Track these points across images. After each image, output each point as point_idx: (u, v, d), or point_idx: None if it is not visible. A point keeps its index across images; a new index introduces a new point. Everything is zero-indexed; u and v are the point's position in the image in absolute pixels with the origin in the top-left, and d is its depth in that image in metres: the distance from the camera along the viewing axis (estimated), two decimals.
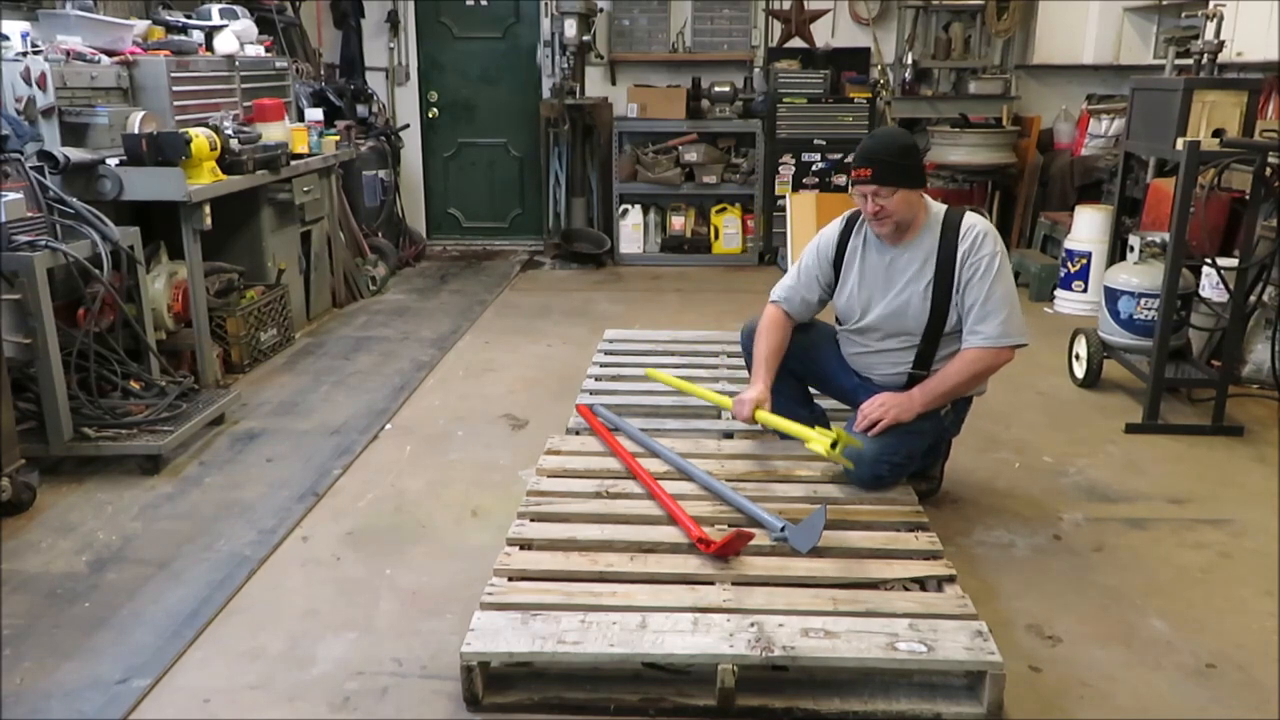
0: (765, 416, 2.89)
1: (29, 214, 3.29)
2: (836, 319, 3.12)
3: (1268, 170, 3.61)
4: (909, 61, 6.82)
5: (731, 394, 3.62)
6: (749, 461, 3.04)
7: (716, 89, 6.95)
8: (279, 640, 2.42)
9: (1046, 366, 4.58)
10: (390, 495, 3.27)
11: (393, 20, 7.39)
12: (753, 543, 2.46)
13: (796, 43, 7.14)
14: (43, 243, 3.26)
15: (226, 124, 4.31)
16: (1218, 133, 3.74)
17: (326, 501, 3.22)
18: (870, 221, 2.86)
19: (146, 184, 3.81)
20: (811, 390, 3.26)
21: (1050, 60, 6.83)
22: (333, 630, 2.46)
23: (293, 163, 4.83)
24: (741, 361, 3.36)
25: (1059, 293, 5.66)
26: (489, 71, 7.59)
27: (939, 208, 2.90)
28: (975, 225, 2.82)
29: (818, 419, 3.28)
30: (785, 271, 3.19)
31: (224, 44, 4.91)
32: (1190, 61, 4.68)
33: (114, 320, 3.56)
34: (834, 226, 3.05)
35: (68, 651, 2.37)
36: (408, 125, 7.41)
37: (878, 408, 2.84)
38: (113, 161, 3.82)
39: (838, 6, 7.15)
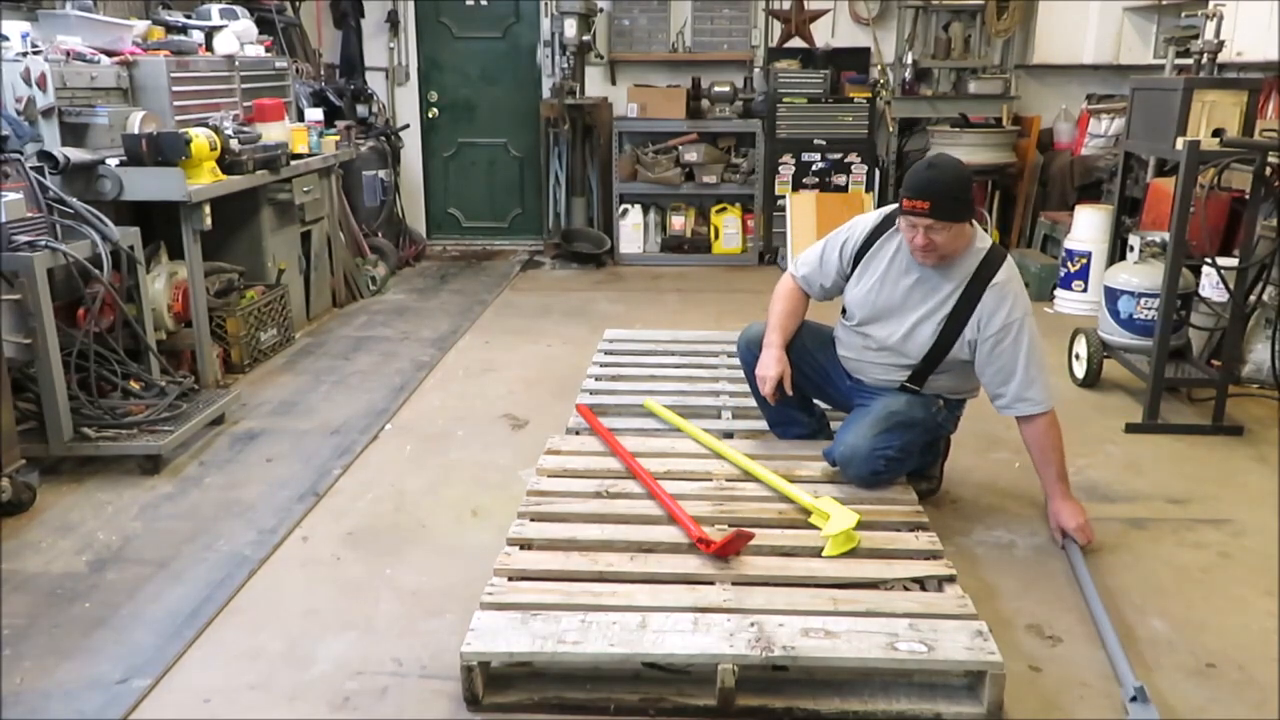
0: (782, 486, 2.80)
1: (29, 214, 3.29)
2: (842, 309, 3.06)
3: (1268, 170, 3.61)
4: (909, 61, 6.81)
5: (730, 393, 3.65)
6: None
7: (716, 89, 6.94)
8: (279, 640, 2.42)
9: (1046, 366, 4.57)
10: (390, 495, 3.27)
11: (393, 20, 7.39)
12: (753, 543, 2.46)
13: (796, 42, 7.13)
14: (43, 243, 3.26)
15: (226, 124, 4.31)
16: (1218, 132, 3.74)
17: (326, 501, 3.22)
18: (915, 251, 2.76)
19: (146, 184, 3.81)
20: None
21: (1050, 60, 6.82)
22: (333, 630, 2.47)
23: (293, 163, 4.83)
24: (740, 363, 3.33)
25: (1059, 292, 5.66)
26: (489, 71, 7.58)
27: (985, 241, 2.82)
28: (1010, 280, 2.77)
29: (818, 420, 3.29)
30: (785, 271, 3.16)
31: (224, 44, 4.91)
32: (1190, 61, 4.67)
33: (114, 320, 3.56)
34: (868, 221, 2.95)
35: (68, 651, 2.37)
36: (408, 125, 7.41)
37: (1069, 520, 2.83)
38: (113, 161, 3.82)
39: (838, 6, 7.14)
